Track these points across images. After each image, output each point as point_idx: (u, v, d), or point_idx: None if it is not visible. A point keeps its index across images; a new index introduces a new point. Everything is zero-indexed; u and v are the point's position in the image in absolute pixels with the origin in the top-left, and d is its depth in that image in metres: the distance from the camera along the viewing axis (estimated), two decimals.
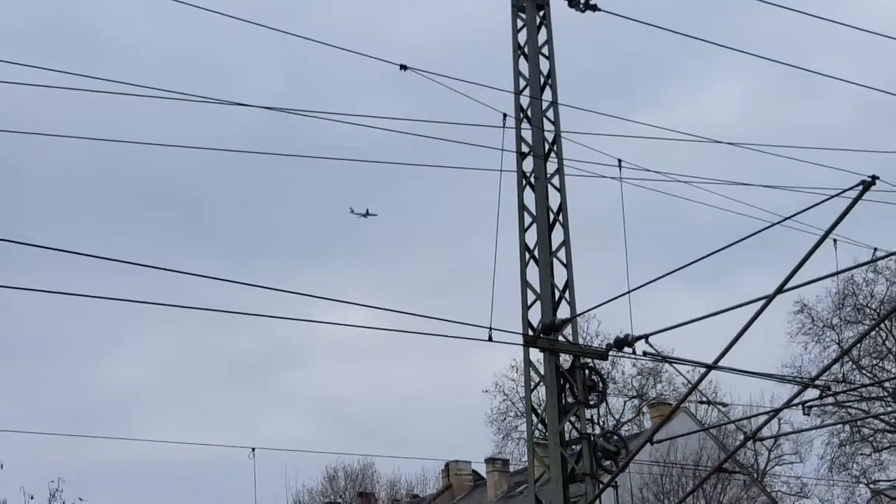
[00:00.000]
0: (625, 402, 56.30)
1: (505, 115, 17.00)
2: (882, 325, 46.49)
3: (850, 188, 14.66)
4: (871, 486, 50.80)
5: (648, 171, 17.40)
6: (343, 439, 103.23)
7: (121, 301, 14.15)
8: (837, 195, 14.87)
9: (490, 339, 15.90)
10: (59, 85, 14.39)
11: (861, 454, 50.10)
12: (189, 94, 15.76)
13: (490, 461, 61.66)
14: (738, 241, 16.19)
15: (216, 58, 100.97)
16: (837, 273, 16.71)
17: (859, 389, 46.34)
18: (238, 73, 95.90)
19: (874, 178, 14.71)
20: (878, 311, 46.98)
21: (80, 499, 51.48)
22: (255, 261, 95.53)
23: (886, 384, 47.85)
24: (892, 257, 43.87)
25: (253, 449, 24.19)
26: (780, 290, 15.25)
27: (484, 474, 63.79)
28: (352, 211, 58.06)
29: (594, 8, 16.81)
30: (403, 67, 16.64)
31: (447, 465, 66.09)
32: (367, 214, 58.09)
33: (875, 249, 17.40)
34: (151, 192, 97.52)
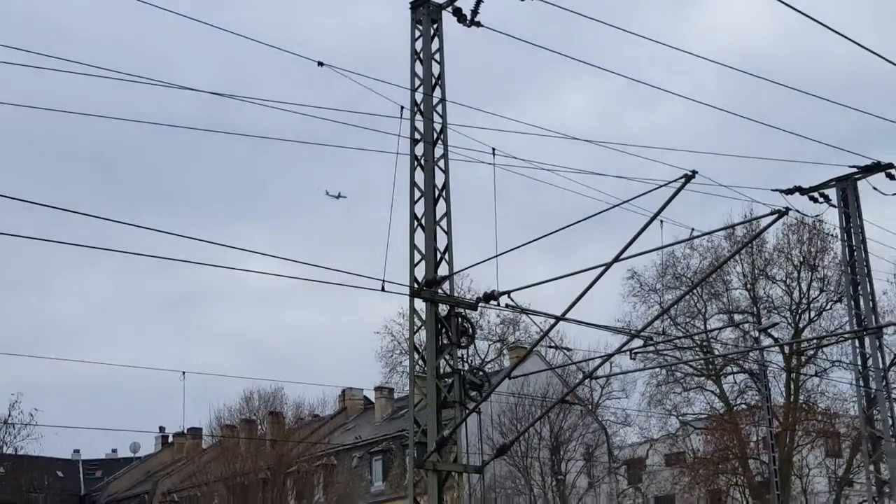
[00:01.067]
0: (489, 345, 56.65)
1: (402, 108, 16.93)
2: (694, 291, 47.26)
3: (675, 180, 14.88)
4: (680, 417, 51.74)
5: (517, 158, 17.49)
6: (257, 368, 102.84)
7: (65, 245, 13.87)
8: (664, 185, 15.08)
9: (383, 290, 15.96)
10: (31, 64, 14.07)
11: (673, 392, 50.90)
12: (144, 77, 15.43)
13: (378, 389, 61.76)
14: (584, 219, 16.40)
15: (162, 48, 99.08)
16: (662, 248, 16.93)
17: (675, 341, 47.25)
18: (179, 61, 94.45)
19: (694, 172, 14.95)
20: (692, 279, 47.65)
21: (36, 409, 50.42)
22: (184, 216, 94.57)
23: (695, 338, 48.76)
24: (705, 236, 44.74)
25: (183, 372, 23.85)
26: (616, 260, 15.43)
27: (373, 400, 63.94)
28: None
29: (478, 24, 16.79)
30: (320, 64, 16.47)
31: (343, 391, 66.06)
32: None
33: (692, 230, 17.65)
34: (102, 159, 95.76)
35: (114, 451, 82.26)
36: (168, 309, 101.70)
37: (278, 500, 49.11)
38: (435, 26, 17.37)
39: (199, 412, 77.00)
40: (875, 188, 27.41)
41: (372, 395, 64.16)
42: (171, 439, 76.20)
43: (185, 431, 67.95)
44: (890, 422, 29.00)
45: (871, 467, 29.32)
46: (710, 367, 49.50)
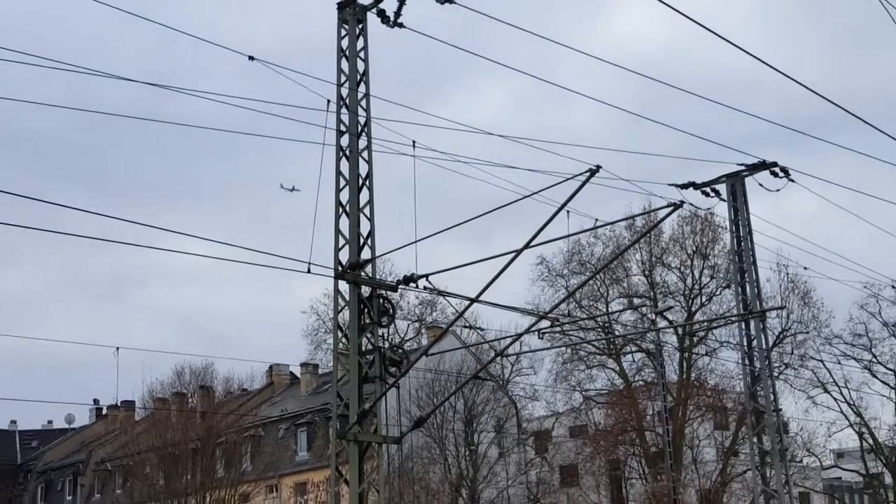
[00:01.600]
0: (408, 324, 56.43)
1: (328, 102, 16.85)
2: (597, 276, 47.75)
3: (581, 173, 15.06)
4: (583, 393, 52.31)
5: (436, 151, 17.54)
6: (189, 344, 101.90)
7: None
8: (571, 178, 15.25)
9: (309, 271, 15.93)
10: None
11: (577, 370, 51.27)
12: (84, 67, 15.14)
13: (304, 365, 61.46)
14: (497, 209, 16.53)
15: (97, 38, 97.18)
16: (568, 236, 17.12)
17: (579, 322, 47.73)
18: (115, 52, 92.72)
19: (598, 167, 15.15)
20: (595, 265, 48.07)
21: None
22: (120, 202, 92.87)
23: (598, 319, 49.34)
24: (608, 226, 45.22)
25: (117, 348, 23.51)
26: (526, 247, 15.58)
27: (299, 375, 63.62)
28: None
29: (401, 25, 16.76)
30: (251, 58, 16.30)
31: (270, 367, 65.57)
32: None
33: (596, 220, 17.85)
34: (52, 147, 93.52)
35: (49, 422, 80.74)
36: (104, 288, 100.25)
37: (208, 469, 48.56)
38: (360, 26, 17.30)
39: (133, 386, 75.94)
40: (761, 184, 28.00)
41: (298, 371, 63.83)
42: (104, 411, 74.96)
43: (119, 404, 66.84)
44: (772, 397, 29.73)
45: (755, 439, 29.99)
46: (611, 346, 50.12)
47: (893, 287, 53.34)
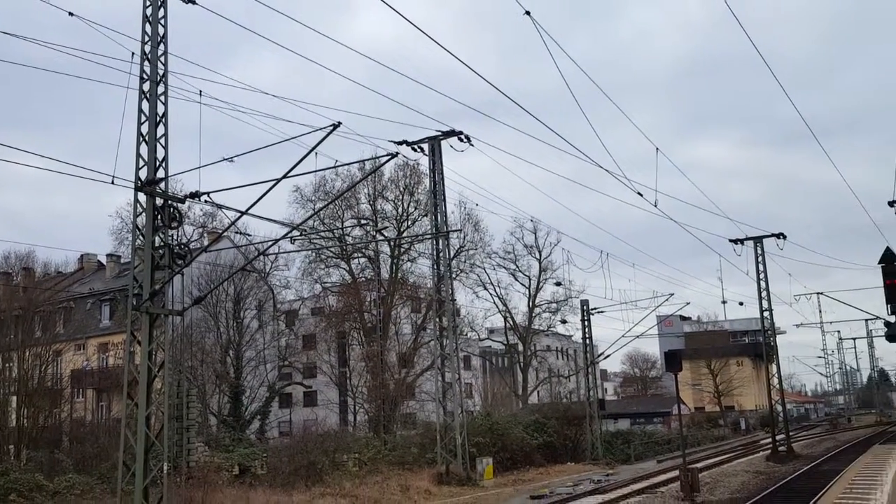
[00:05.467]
0: (194, 229, 53.89)
1: (133, 54, 15.64)
2: (336, 203, 47.87)
3: (326, 126, 14.98)
4: (322, 284, 52.67)
5: (220, 101, 16.81)
6: (16, 236, 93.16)
7: None
8: (321, 129, 15.13)
9: (112, 183, 14.92)
10: None
11: (319, 268, 51.56)
12: None
13: (109, 255, 57.63)
14: (264, 147, 16.17)
15: None
16: (316, 171, 17.00)
17: (321, 234, 47.68)
18: None
19: (339, 123, 15.11)
20: (335, 194, 48.12)
21: None
22: None
23: (335, 233, 49.56)
24: (345, 167, 45.12)
25: None
26: (284, 177, 15.36)
27: (105, 263, 59.72)
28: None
29: (194, 2, 15.75)
30: (70, 14, 14.77)
31: (82, 255, 61.14)
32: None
33: (336, 161, 17.87)
34: None
35: None
36: None
37: (28, 331, 44.53)
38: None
39: None
40: (451, 146, 29.06)
41: (104, 260, 59.87)
42: None
43: None
44: (450, 292, 31.28)
45: (437, 319, 31.53)
46: (344, 252, 50.63)
47: (532, 221, 57.60)
